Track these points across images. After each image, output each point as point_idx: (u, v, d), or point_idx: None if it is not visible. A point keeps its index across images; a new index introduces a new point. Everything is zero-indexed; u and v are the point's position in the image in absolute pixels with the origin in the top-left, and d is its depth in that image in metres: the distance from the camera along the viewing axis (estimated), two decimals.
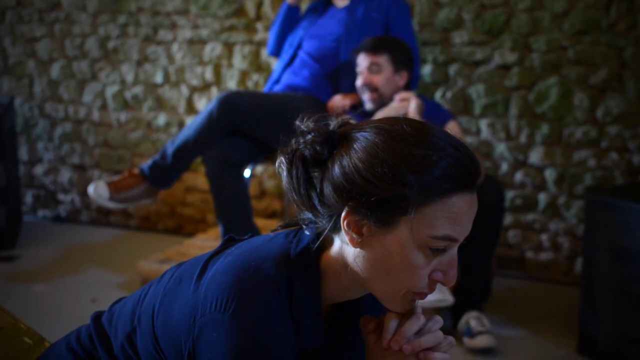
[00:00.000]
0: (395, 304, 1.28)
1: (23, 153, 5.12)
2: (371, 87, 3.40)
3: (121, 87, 4.82)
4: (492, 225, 3.38)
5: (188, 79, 4.66)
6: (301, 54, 3.74)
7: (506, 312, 3.65)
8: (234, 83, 4.55)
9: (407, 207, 1.19)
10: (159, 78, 4.72)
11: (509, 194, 4.08)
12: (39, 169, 5.13)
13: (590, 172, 3.93)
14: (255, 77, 4.47)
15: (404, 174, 1.18)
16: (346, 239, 1.25)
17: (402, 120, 1.25)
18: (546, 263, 4.10)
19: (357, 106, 3.50)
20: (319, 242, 1.29)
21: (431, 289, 1.27)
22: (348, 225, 1.23)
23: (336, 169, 1.24)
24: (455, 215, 1.21)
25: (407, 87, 3.48)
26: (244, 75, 4.52)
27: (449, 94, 4.11)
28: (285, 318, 1.24)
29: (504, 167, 4.09)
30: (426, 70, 4.14)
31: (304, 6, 4.04)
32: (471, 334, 3.22)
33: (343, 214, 1.23)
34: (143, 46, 4.73)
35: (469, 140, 4.07)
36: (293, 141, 1.29)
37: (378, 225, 1.21)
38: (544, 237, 4.08)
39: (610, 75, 3.83)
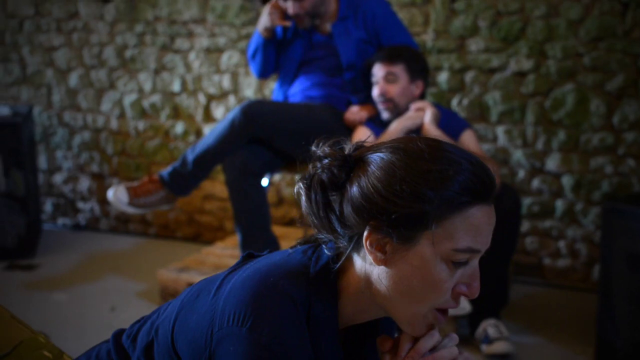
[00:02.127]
0: (413, 325, 1.29)
1: (42, 162, 5.16)
2: (387, 97, 3.40)
3: (139, 96, 4.85)
4: (509, 233, 3.38)
5: (205, 87, 4.68)
6: (303, 83, 3.65)
7: (524, 319, 3.64)
8: (251, 91, 4.56)
9: (428, 222, 1.22)
10: (176, 86, 4.75)
11: (526, 201, 4.08)
12: (58, 178, 5.17)
13: (607, 178, 3.92)
14: (272, 84, 4.48)
15: (423, 190, 1.21)
16: (368, 258, 1.27)
17: (415, 138, 1.28)
18: (564, 270, 4.09)
19: (374, 117, 3.50)
20: (340, 262, 1.30)
21: (457, 302, 1.29)
22: (371, 244, 1.25)
23: (355, 190, 1.26)
24: (475, 226, 1.23)
25: (423, 96, 3.48)
26: (261, 84, 4.53)
27: (465, 101, 4.12)
28: (302, 333, 1.25)
29: (521, 174, 4.08)
30: (442, 77, 4.14)
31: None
32: (489, 341, 3.22)
33: (365, 234, 1.25)
34: (160, 55, 4.76)
35: (485, 147, 4.07)
36: (310, 166, 1.31)
37: (400, 242, 1.24)
38: (562, 244, 4.07)
39: (627, 82, 3.82)
